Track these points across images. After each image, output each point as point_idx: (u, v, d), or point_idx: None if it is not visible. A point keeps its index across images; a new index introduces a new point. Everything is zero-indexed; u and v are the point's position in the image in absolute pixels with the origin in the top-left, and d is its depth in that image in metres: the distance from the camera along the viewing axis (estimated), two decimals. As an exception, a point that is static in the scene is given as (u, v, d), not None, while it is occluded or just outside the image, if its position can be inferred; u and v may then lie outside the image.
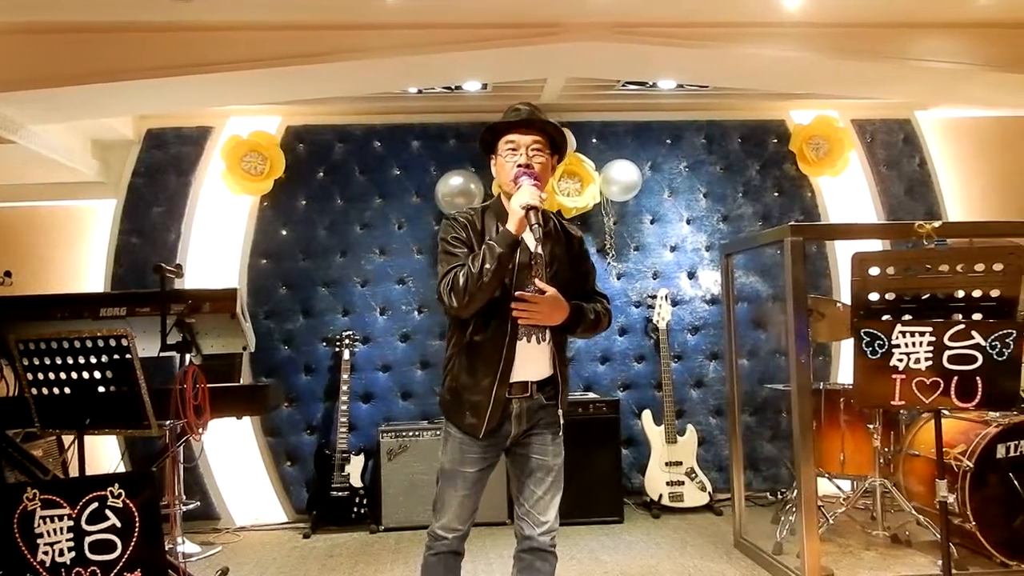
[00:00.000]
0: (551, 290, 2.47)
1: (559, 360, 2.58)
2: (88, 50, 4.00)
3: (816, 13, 4.11)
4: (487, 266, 2.34)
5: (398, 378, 5.56)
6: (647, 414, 5.42)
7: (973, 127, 6.03)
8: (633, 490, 5.49)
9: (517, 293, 2.44)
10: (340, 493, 5.08)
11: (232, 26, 4.03)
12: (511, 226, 2.39)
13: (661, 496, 5.23)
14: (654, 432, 5.34)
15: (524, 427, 2.55)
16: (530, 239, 2.48)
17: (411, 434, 5.13)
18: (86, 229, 5.53)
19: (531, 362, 2.52)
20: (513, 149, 2.53)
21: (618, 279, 5.71)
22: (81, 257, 5.50)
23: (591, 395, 5.38)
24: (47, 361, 2.82)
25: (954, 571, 3.31)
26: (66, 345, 2.79)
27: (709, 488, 5.28)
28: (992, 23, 4.34)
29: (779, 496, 5.29)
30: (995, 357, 2.78)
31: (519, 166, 2.50)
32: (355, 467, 5.11)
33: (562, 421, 2.62)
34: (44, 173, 5.17)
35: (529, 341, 2.51)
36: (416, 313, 5.60)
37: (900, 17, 4.26)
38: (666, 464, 5.28)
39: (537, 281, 2.47)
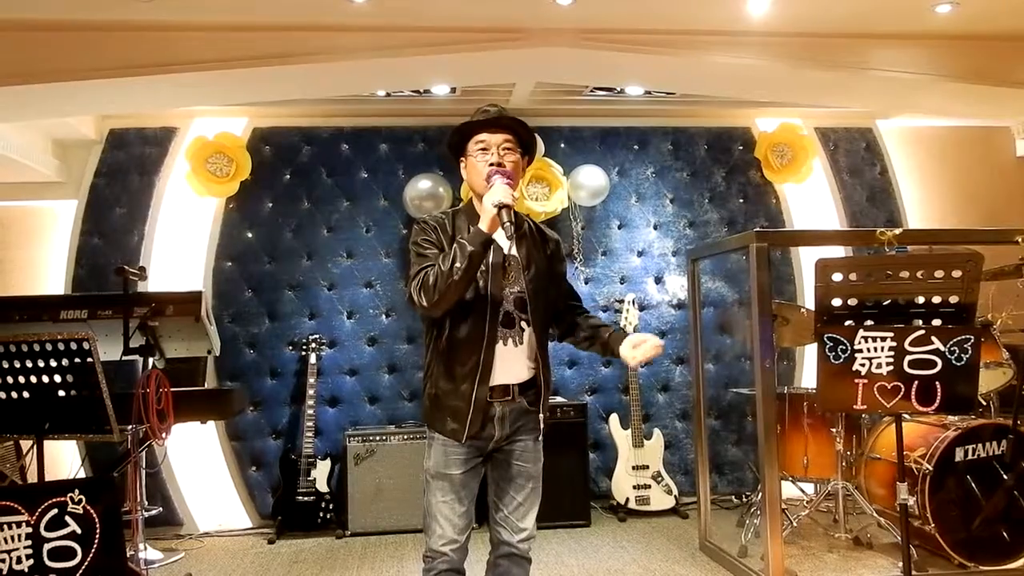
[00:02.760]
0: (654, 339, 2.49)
1: (541, 363, 2.55)
2: (49, 48, 3.93)
3: (780, 23, 4.16)
4: (457, 264, 2.30)
5: (365, 382, 5.53)
6: (614, 418, 5.44)
7: (932, 136, 6.16)
8: (600, 494, 5.51)
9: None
10: (306, 498, 5.03)
11: (198, 26, 3.99)
12: (483, 224, 2.34)
13: (628, 500, 5.26)
14: (621, 436, 5.37)
15: (507, 431, 2.51)
16: (503, 240, 2.47)
17: (378, 439, 5.10)
18: (46, 230, 5.42)
19: (509, 365, 2.48)
20: (484, 148, 2.49)
21: (586, 283, 5.74)
22: (40, 259, 5.40)
23: (558, 399, 5.38)
24: (5, 365, 2.75)
25: (914, 572, 3.36)
26: (25, 348, 2.73)
27: (675, 492, 5.31)
28: (950, 35, 4.44)
29: (744, 499, 5.35)
30: (954, 362, 2.84)
31: (491, 165, 2.46)
32: (321, 472, 5.06)
33: (542, 426, 2.59)
34: (2, 173, 5.07)
35: (506, 344, 2.48)
36: (384, 317, 5.58)
37: (862, 28, 4.34)
38: (632, 468, 5.31)
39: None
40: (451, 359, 2.46)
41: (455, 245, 2.34)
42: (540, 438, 2.61)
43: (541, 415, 2.57)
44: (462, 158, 2.59)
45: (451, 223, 2.53)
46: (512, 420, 2.51)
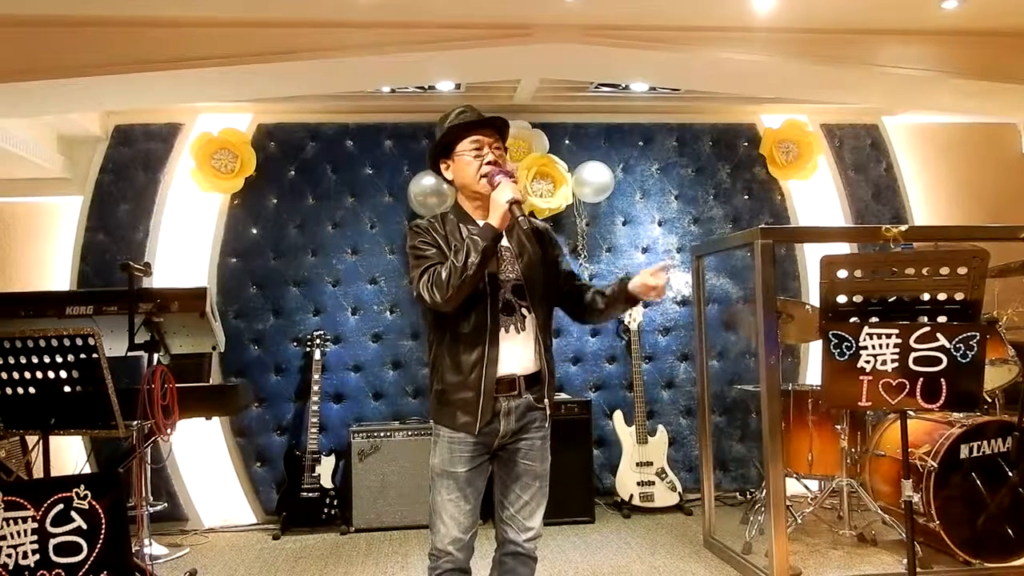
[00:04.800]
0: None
1: (544, 352, 2.56)
2: (55, 44, 3.92)
3: (786, 19, 4.15)
4: (471, 259, 2.34)
5: (369, 378, 5.53)
6: (618, 415, 5.44)
7: (938, 133, 6.14)
8: (604, 490, 5.51)
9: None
10: (310, 494, 5.04)
11: (203, 22, 3.99)
12: (494, 220, 2.39)
13: (632, 496, 5.26)
14: (625, 433, 5.36)
15: (513, 427, 2.51)
16: None
17: (382, 435, 5.10)
18: (51, 226, 5.43)
19: (515, 353, 2.50)
20: (479, 148, 2.54)
21: (590, 280, 5.73)
22: (46, 255, 5.41)
23: (563, 396, 5.39)
24: (11, 360, 2.77)
25: (919, 569, 3.36)
26: (31, 344, 2.74)
27: (679, 488, 5.31)
28: (957, 31, 4.42)
29: (748, 496, 5.34)
30: (959, 359, 2.82)
31: (489, 164, 2.51)
32: (325, 468, 5.07)
33: (548, 412, 2.59)
34: (8, 169, 5.07)
35: (508, 331, 2.50)
36: (388, 313, 5.58)
37: (867, 24, 4.32)
38: (637, 464, 5.31)
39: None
40: (457, 351, 2.48)
41: (467, 241, 2.39)
42: (547, 437, 2.62)
43: (547, 400, 2.58)
44: (445, 161, 2.62)
45: (441, 225, 2.57)
46: (518, 416, 2.52)
